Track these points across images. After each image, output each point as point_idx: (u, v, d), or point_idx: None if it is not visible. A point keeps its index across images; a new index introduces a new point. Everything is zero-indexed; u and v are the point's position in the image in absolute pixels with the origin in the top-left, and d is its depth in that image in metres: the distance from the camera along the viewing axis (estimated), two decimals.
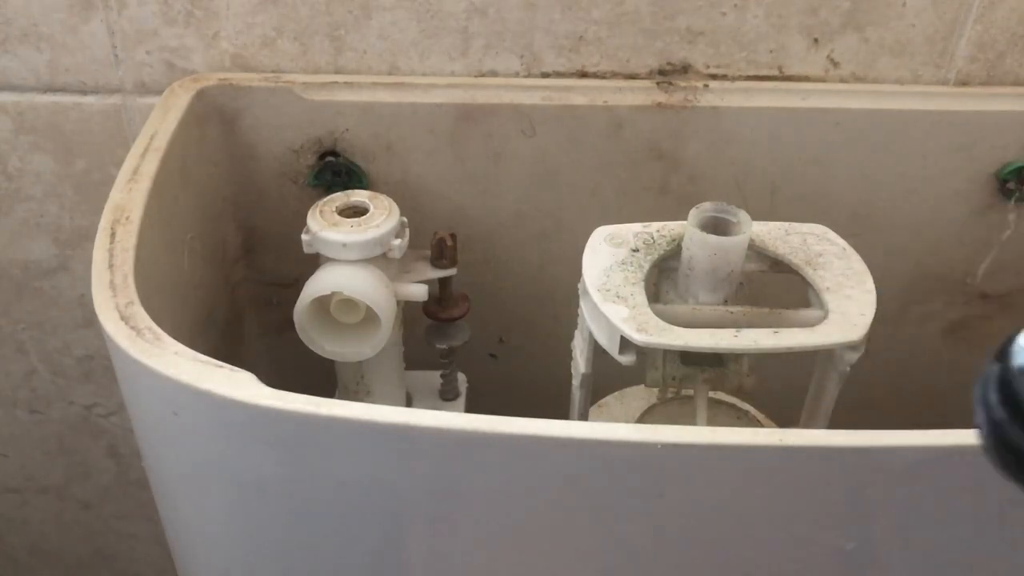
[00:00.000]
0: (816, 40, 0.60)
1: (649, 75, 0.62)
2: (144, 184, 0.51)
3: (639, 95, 0.61)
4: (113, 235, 0.47)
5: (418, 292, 0.57)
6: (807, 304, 0.49)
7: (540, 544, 0.43)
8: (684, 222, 0.49)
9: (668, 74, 0.62)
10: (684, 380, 0.52)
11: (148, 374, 0.40)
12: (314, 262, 0.56)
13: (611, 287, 0.48)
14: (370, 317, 0.55)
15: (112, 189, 0.50)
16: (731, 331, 0.46)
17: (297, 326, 0.54)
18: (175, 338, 0.42)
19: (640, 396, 0.60)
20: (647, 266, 0.49)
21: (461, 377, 0.67)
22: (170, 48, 0.61)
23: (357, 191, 0.57)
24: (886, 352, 0.71)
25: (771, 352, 0.46)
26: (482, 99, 0.60)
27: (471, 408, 0.66)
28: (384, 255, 0.55)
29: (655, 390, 0.58)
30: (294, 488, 0.43)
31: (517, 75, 0.62)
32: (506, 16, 0.60)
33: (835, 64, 0.61)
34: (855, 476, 0.39)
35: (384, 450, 0.40)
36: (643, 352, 0.47)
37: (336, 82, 0.61)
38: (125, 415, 0.48)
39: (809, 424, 0.54)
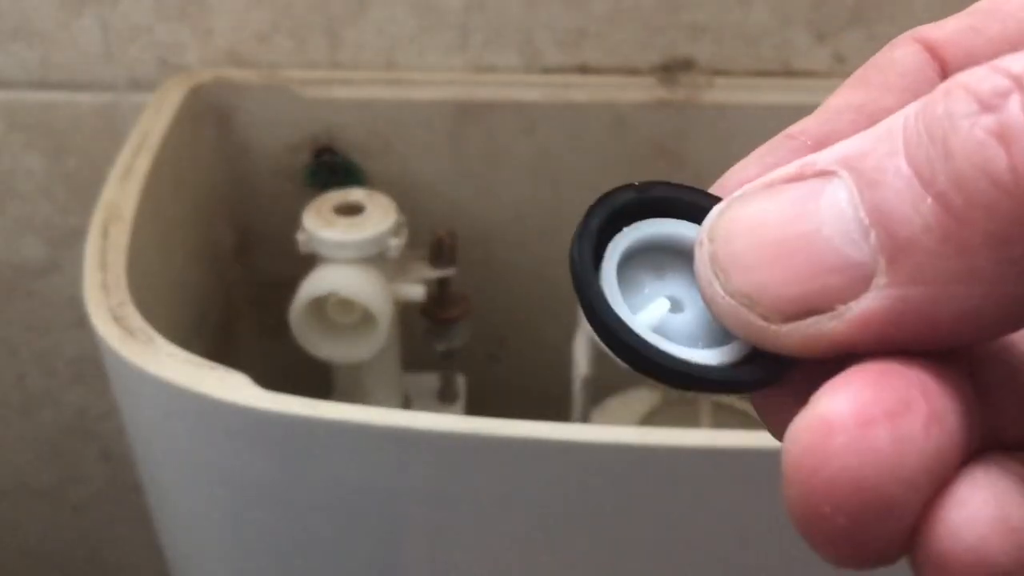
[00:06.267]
0: (821, 36, 0.60)
1: (652, 71, 0.61)
2: (137, 182, 0.50)
3: (642, 91, 0.60)
4: (105, 234, 0.47)
5: (416, 292, 0.57)
6: None
7: (540, 547, 0.43)
8: None
9: (671, 70, 0.61)
10: None
11: (141, 376, 0.40)
12: (310, 262, 0.55)
13: None
14: (367, 318, 0.55)
15: (105, 188, 0.50)
16: None
17: (293, 327, 0.54)
18: (168, 339, 0.42)
19: (642, 399, 0.60)
20: None
21: (460, 379, 0.67)
22: (163, 44, 0.61)
23: (354, 189, 0.57)
24: None
25: None
26: (481, 95, 0.60)
27: (470, 411, 0.66)
28: (381, 255, 0.55)
29: (657, 393, 0.58)
30: (289, 491, 0.43)
31: (517, 71, 0.61)
32: (506, 10, 0.59)
33: (841, 60, 0.61)
34: None
35: (382, 453, 0.40)
36: None
37: (332, 78, 0.61)
38: (118, 417, 0.47)
39: None
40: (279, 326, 0.57)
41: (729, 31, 0.60)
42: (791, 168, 0.14)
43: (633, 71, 0.61)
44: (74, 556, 0.90)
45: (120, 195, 0.49)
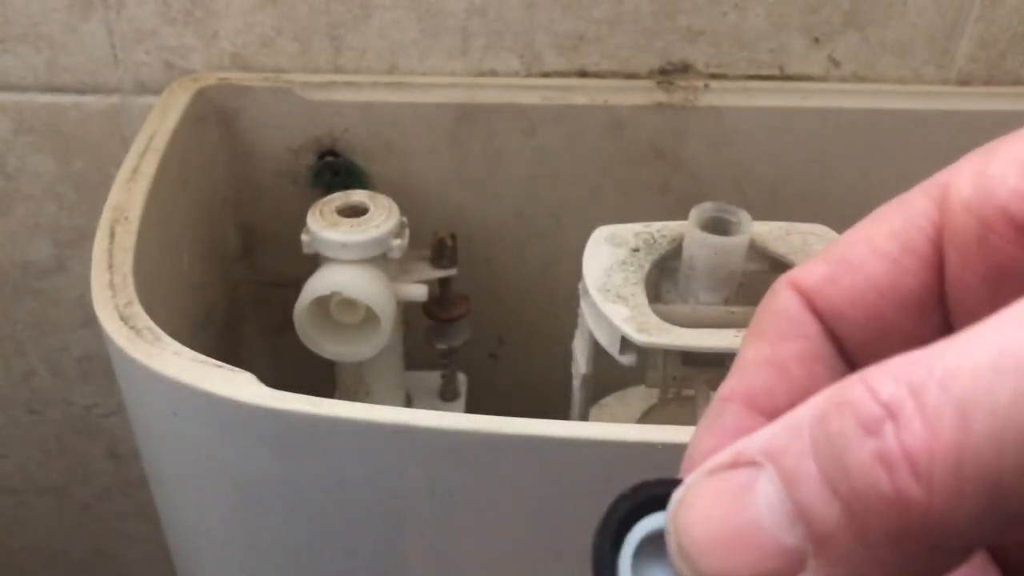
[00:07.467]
0: (817, 39, 0.60)
1: (650, 75, 0.62)
2: (143, 184, 0.50)
3: (640, 95, 0.60)
4: (112, 235, 0.47)
5: (418, 292, 0.57)
6: None
7: (540, 545, 0.43)
8: (685, 222, 0.49)
9: (669, 73, 0.61)
10: (685, 380, 0.51)
11: (147, 374, 0.40)
12: (314, 262, 0.56)
13: (611, 287, 0.48)
14: (370, 317, 0.55)
15: (111, 189, 0.50)
16: (732, 331, 0.46)
17: (297, 326, 0.54)
18: (174, 338, 0.42)
19: (641, 396, 0.60)
20: (647, 266, 0.49)
21: (461, 377, 0.67)
22: (169, 48, 0.61)
23: (357, 191, 0.57)
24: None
25: None
26: (482, 99, 0.60)
27: (471, 408, 0.66)
28: (384, 255, 0.55)
29: (656, 390, 0.58)
30: (293, 488, 0.43)
31: (517, 75, 0.62)
32: (506, 15, 0.59)
33: (836, 64, 0.61)
34: None
35: (384, 450, 0.40)
36: (644, 352, 0.47)
37: (335, 81, 0.61)
38: (124, 416, 0.47)
39: None
40: (283, 325, 0.57)
41: (725, 35, 0.60)
42: (727, 456, 0.17)
43: (631, 75, 0.62)
44: (81, 553, 0.90)
45: (127, 196, 0.50)
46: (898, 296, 0.19)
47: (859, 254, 0.19)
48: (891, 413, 0.14)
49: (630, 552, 0.19)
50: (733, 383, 0.20)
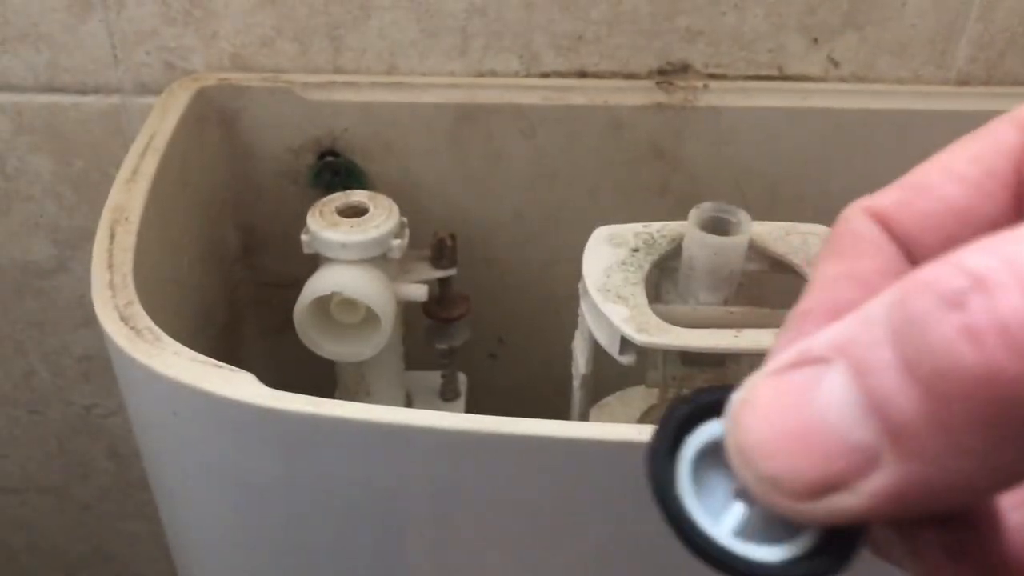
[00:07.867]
0: (816, 40, 0.60)
1: (649, 75, 0.62)
2: (143, 184, 0.51)
3: (639, 95, 0.61)
4: (112, 235, 0.47)
5: (418, 292, 0.57)
6: None
7: (540, 544, 0.43)
8: (684, 222, 0.49)
9: (668, 74, 0.61)
10: (684, 380, 0.52)
11: (147, 374, 0.40)
12: (314, 262, 0.56)
13: (611, 287, 0.48)
14: (370, 317, 0.55)
15: (111, 189, 0.50)
16: (732, 331, 0.46)
17: (297, 326, 0.54)
18: (174, 338, 0.42)
19: (640, 396, 0.60)
20: (647, 266, 0.49)
21: (461, 377, 0.67)
22: (169, 48, 0.61)
23: (356, 191, 0.57)
24: None
25: None
26: (481, 99, 0.60)
27: (471, 408, 0.66)
28: (384, 255, 0.55)
29: (655, 390, 0.58)
30: (293, 488, 0.43)
31: (517, 75, 0.62)
32: (505, 16, 0.59)
33: (835, 64, 0.61)
34: None
35: (384, 450, 0.40)
36: (643, 352, 0.47)
37: (335, 82, 0.61)
38: (125, 415, 0.48)
39: None
40: (283, 325, 0.57)
41: (724, 35, 0.60)
42: (791, 354, 0.16)
43: (630, 75, 0.62)
44: (81, 552, 0.90)
45: (127, 196, 0.50)
46: (974, 219, 0.18)
47: (936, 178, 0.19)
48: (980, 284, 0.14)
49: (689, 456, 0.18)
50: (813, 298, 0.19)
